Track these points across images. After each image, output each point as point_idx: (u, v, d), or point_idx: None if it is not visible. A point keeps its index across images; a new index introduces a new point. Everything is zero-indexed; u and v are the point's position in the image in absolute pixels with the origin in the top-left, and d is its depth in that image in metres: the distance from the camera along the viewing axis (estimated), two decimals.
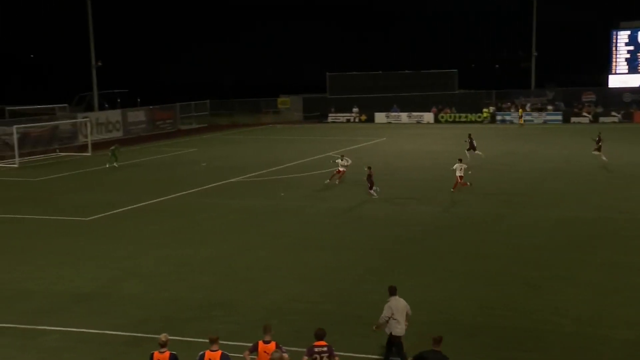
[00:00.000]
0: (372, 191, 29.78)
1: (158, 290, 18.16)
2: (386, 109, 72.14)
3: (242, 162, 42.39)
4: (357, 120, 72.70)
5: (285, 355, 10.88)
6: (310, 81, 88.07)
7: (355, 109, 73.02)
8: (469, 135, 42.00)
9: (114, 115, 61.82)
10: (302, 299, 17.20)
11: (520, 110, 67.09)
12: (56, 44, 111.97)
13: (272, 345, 11.08)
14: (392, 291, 13.06)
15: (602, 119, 65.38)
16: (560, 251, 21.07)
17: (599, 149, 38.74)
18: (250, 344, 11.45)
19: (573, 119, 66.16)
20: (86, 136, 52.39)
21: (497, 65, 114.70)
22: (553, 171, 36.60)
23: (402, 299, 12.99)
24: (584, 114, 66.57)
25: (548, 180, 33.92)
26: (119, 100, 73.30)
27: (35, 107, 56.64)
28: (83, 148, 50.91)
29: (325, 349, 11.21)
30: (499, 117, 68.51)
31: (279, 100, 78.81)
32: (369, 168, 30.38)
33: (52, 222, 26.81)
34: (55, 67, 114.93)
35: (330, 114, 73.86)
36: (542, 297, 17.00)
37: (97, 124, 58.07)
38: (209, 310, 16.51)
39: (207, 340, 11.18)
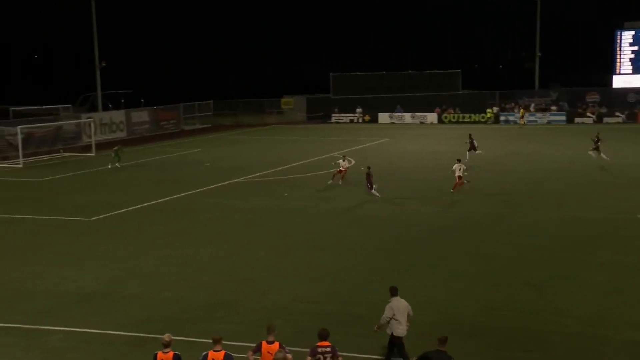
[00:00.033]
0: (373, 191, 29.81)
1: (160, 290, 18.21)
2: (390, 109, 72.04)
3: (245, 163, 42.44)
4: (360, 120, 72.68)
5: (289, 355, 10.90)
6: (311, 81, 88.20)
7: (358, 110, 73.02)
8: (470, 135, 42.09)
9: (118, 115, 61.86)
10: (305, 299, 17.23)
11: (521, 110, 66.99)
12: (60, 44, 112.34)
13: (276, 345, 11.08)
14: (394, 292, 13.09)
15: (606, 120, 65.35)
16: (561, 251, 21.08)
17: (596, 149, 38.86)
18: (254, 344, 11.48)
19: (577, 120, 66.15)
20: (90, 136, 52.57)
21: (500, 66, 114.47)
22: (556, 172, 36.58)
23: (403, 300, 13.03)
24: (588, 114, 66.52)
25: (551, 181, 33.91)
26: (122, 100, 73.37)
27: (39, 107, 56.64)
28: (87, 148, 51.04)
29: (328, 349, 11.20)
30: (502, 118, 68.50)
31: (283, 100, 78.81)
32: (369, 168, 30.42)
33: (56, 223, 26.88)
34: (59, 67, 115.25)
35: (333, 115, 73.86)
36: (543, 298, 17.02)
37: (101, 124, 58.18)
38: (212, 310, 16.55)
39: (210, 341, 11.21)
